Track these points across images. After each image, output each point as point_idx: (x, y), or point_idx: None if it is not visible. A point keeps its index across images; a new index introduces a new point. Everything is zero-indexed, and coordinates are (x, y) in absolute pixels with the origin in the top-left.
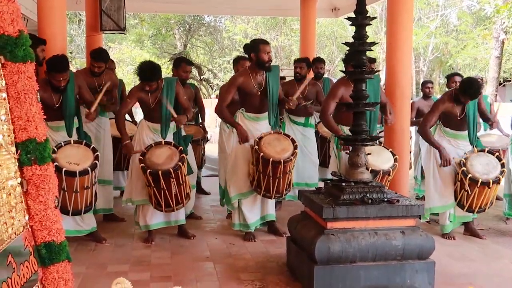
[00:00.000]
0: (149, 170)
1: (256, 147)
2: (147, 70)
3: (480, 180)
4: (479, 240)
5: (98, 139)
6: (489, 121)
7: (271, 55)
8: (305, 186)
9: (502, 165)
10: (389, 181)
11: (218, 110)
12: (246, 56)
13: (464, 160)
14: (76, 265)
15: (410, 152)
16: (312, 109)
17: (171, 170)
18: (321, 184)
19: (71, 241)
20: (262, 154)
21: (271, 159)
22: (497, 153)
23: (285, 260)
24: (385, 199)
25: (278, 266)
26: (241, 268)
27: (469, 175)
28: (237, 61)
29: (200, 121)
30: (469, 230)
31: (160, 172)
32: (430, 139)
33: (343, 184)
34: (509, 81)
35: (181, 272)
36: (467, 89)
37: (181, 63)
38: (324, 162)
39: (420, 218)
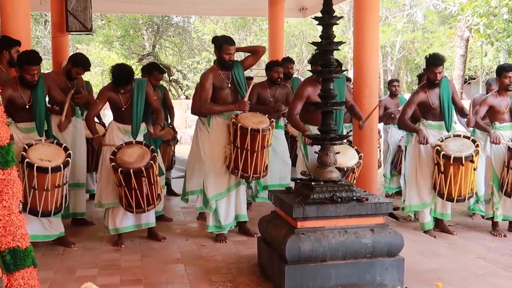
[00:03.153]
0: (120, 169)
1: (234, 120)
2: (122, 76)
3: (452, 156)
4: (448, 236)
5: (74, 141)
6: (465, 116)
7: (232, 55)
8: (279, 187)
9: (477, 146)
10: (355, 178)
11: (200, 106)
12: None
13: (439, 142)
14: (44, 270)
15: (380, 150)
16: (281, 107)
17: (143, 169)
18: (293, 184)
19: (38, 246)
20: (240, 124)
21: (249, 128)
22: (472, 138)
23: (256, 260)
24: (354, 198)
25: (249, 266)
26: (212, 270)
27: (442, 152)
28: None
29: (170, 121)
30: (439, 226)
31: (131, 171)
32: (408, 126)
33: (313, 183)
34: (474, 79)
35: (151, 275)
36: (428, 57)
37: (154, 71)
38: (295, 161)
39: (396, 218)
